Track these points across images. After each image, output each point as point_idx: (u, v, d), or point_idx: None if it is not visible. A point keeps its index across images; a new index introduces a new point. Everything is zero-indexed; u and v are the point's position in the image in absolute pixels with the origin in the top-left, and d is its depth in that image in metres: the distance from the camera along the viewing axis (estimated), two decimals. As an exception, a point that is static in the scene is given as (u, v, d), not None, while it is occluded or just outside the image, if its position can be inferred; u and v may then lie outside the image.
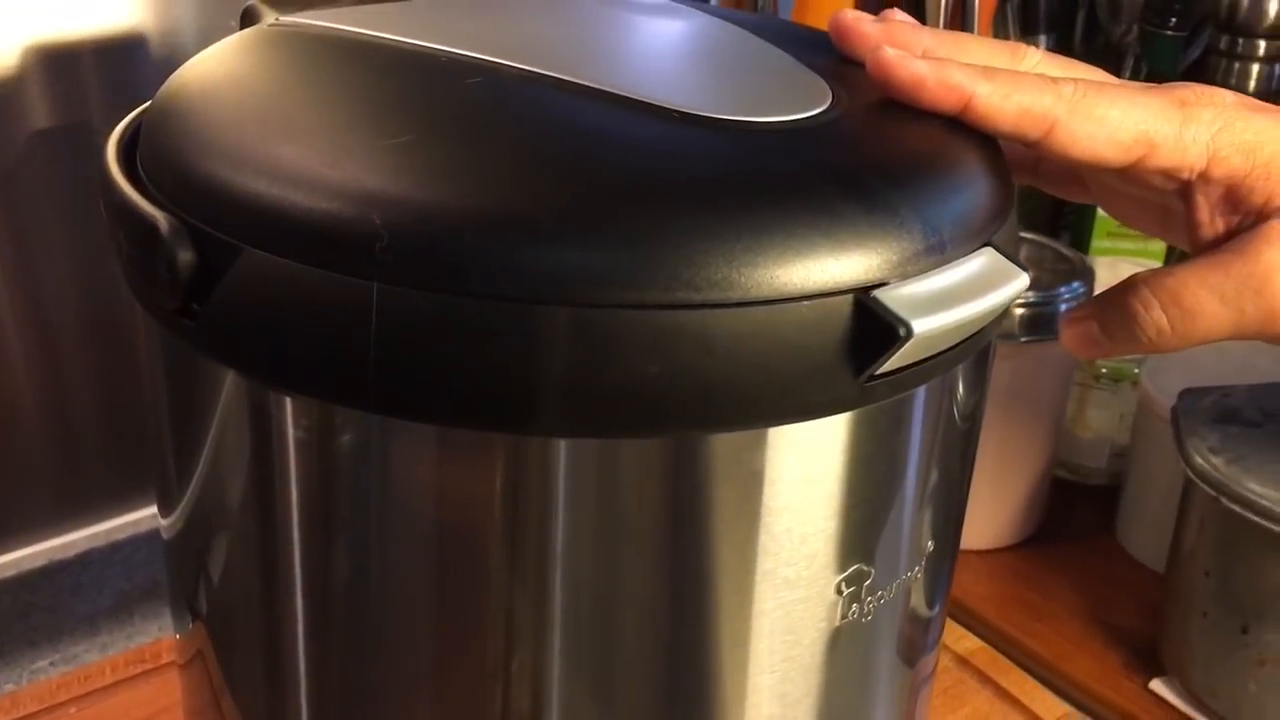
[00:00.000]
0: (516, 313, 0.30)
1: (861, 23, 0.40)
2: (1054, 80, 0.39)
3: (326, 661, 0.38)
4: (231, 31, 0.43)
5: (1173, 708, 0.63)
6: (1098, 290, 0.81)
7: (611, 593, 0.34)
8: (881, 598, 0.37)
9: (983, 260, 0.34)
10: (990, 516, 0.74)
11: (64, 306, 0.67)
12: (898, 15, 0.41)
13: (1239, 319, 0.39)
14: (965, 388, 0.38)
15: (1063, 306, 0.70)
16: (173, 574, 0.44)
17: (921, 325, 0.31)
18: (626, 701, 0.36)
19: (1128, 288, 0.41)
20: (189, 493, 0.39)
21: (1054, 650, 0.67)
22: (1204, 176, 0.39)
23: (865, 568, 0.36)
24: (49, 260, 0.66)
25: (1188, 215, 0.41)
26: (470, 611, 0.35)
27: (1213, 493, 0.58)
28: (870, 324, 0.31)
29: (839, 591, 0.35)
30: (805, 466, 0.33)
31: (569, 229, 0.30)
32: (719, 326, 0.30)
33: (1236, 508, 0.57)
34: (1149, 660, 0.66)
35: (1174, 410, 0.64)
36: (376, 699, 0.38)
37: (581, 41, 0.40)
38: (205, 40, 0.65)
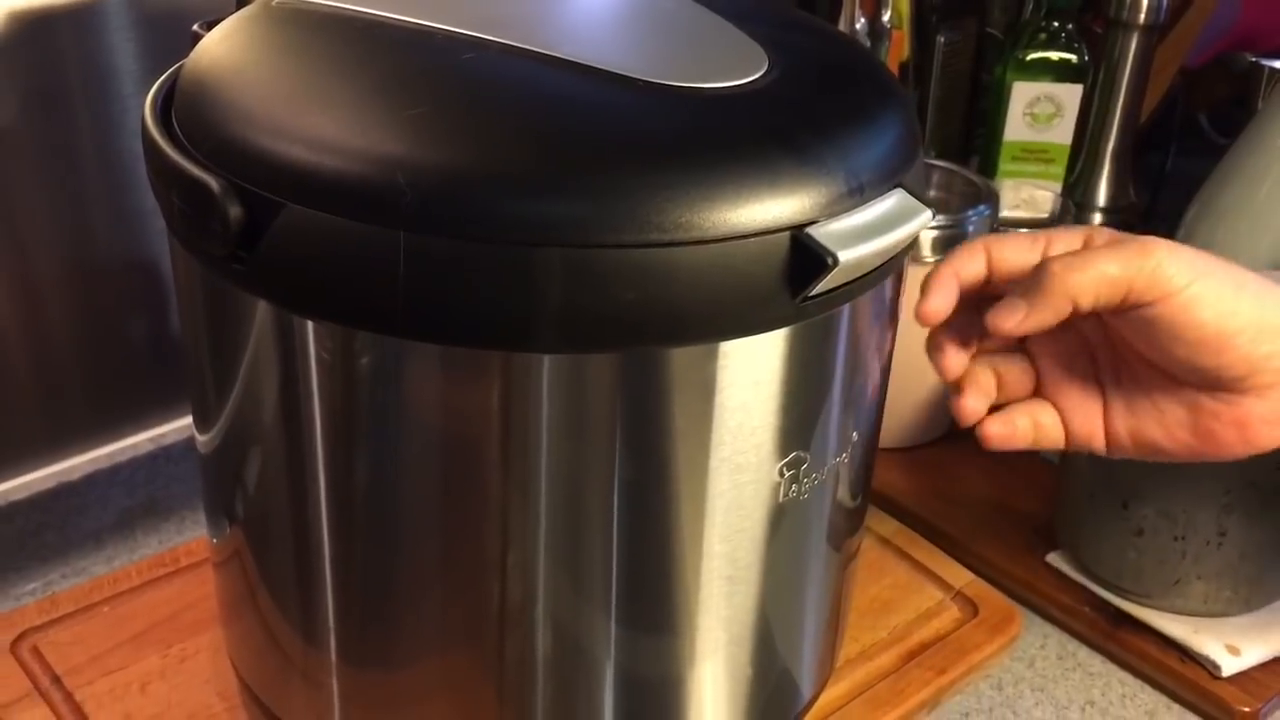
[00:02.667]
0: (518, 253, 0.37)
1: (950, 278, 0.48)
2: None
3: (349, 557, 0.45)
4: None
5: (1066, 576, 0.72)
6: (1003, 211, 0.89)
7: (591, 481, 0.41)
8: (816, 479, 0.45)
9: (894, 200, 0.41)
10: (908, 418, 0.82)
11: (45, 260, 0.72)
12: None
13: (1130, 273, 0.45)
14: (883, 304, 0.46)
15: (970, 228, 0.78)
16: (210, 483, 0.50)
17: (846, 255, 0.38)
18: (603, 570, 0.43)
19: (1044, 261, 0.48)
20: (225, 413, 0.46)
21: (964, 532, 0.76)
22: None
23: (802, 454, 0.43)
24: (29, 217, 0.71)
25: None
26: (470, 508, 0.42)
27: (1097, 389, 0.67)
28: (804, 255, 0.38)
29: (781, 475, 0.43)
30: (753, 373, 0.41)
31: (558, 184, 0.37)
32: (682, 260, 0.37)
33: (1117, 401, 0.66)
34: (1046, 538, 0.74)
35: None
36: (393, 589, 0.45)
37: (557, 17, 0.46)
38: (169, 9, 0.70)
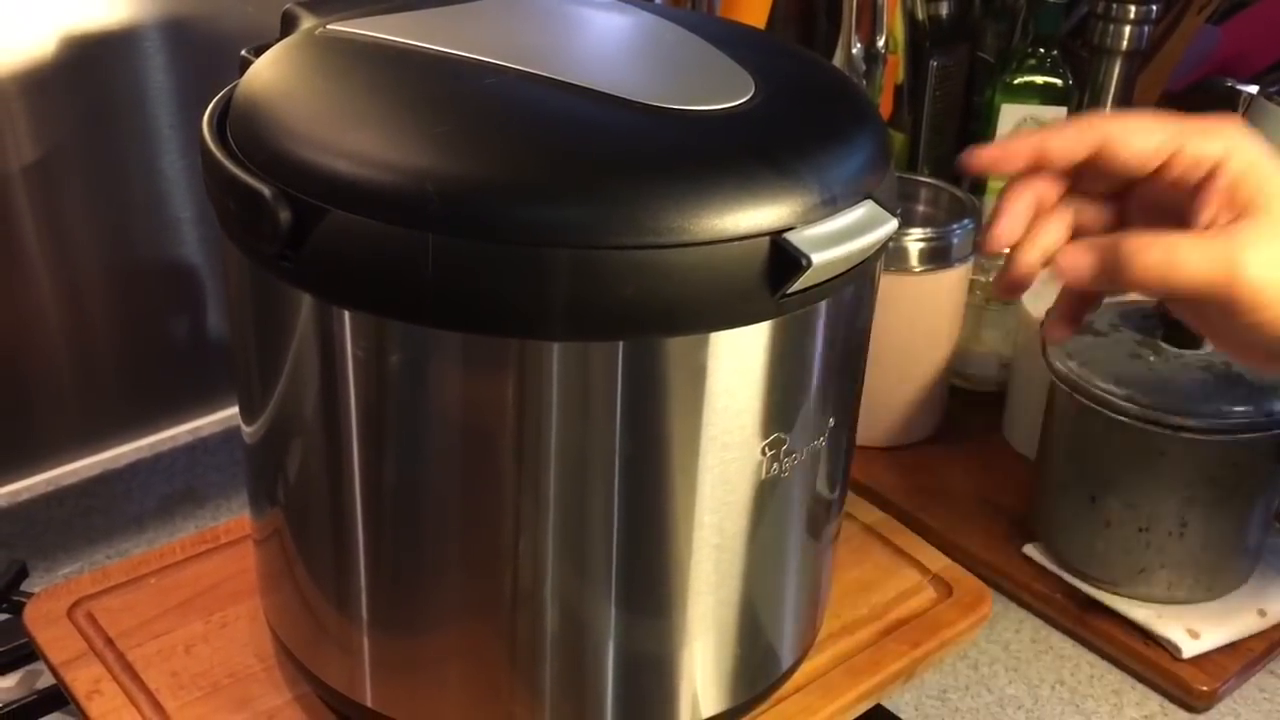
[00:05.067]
0: (530, 253, 0.42)
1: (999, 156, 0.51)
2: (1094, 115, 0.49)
3: (379, 534, 0.50)
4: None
5: (1040, 565, 0.77)
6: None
7: (595, 456, 0.46)
8: (796, 459, 0.50)
9: (864, 210, 0.47)
10: (896, 419, 0.87)
11: (89, 261, 0.77)
12: None
13: (1210, 276, 0.47)
14: (856, 304, 0.51)
15: (954, 240, 0.83)
16: (253, 469, 0.56)
17: (819, 257, 0.44)
18: (605, 536, 0.48)
19: (1125, 236, 0.49)
20: (271, 404, 0.51)
21: (946, 524, 0.81)
22: (1221, 167, 0.48)
23: (783, 435, 0.49)
24: (78, 222, 0.76)
25: (1204, 196, 0.49)
26: (488, 485, 0.47)
27: (1068, 389, 0.72)
28: (782, 257, 0.44)
29: (763, 453, 0.48)
30: (737, 361, 0.46)
31: (565, 193, 0.42)
32: (674, 260, 0.43)
33: (1086, 401, 0.71)
34: (1023, 530, 0.80)
35: (1042, 324, 0.78)
36: (418, 562, 0.50)
37: (569, 46, 0.52)
38: (213, 39, 0.75)
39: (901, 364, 0.86)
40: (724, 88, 0.49)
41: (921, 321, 0.85)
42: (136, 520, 0.80)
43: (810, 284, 0.45)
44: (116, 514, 0.79)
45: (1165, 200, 0.51)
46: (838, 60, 0.98)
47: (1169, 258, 0.48)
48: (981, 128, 1.05)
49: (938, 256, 0.83)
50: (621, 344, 0.44)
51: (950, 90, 1.06)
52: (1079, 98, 1.01)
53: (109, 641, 0.59)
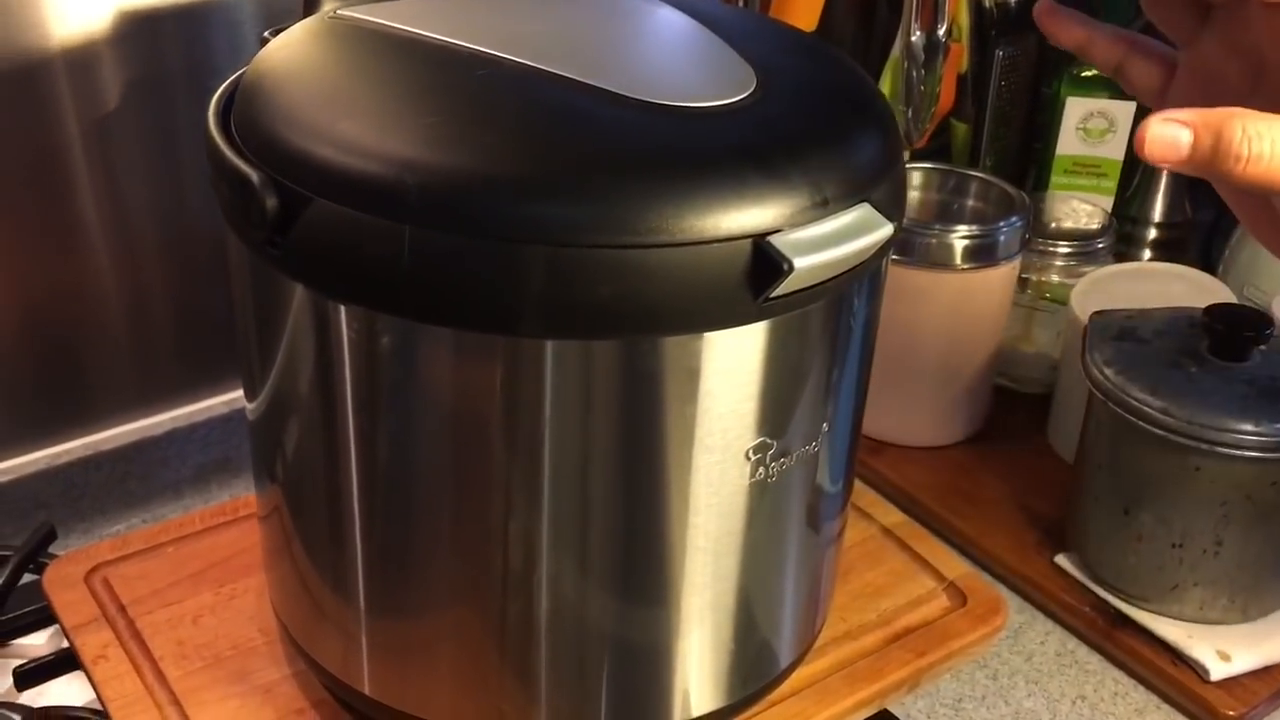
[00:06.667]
0: (507, 249, 0.42)
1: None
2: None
3: (372, 515, 0.50)
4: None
5: (1070, 576, 0.75)
6: (1050, 222, 0.92)
7: (579, 453, 0.46)
8: (784, 464, 0.49)
9: (858, 214, 0.45)
10: (934, 419, 0.86)
11: (144, 229, 0.79)
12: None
13: None
14: (856, 308, 0.50)
15: (1001, 237, 0.81)
16: (256, 446, 0.56)
17: (802, 262, 0.43)
18: (591, 533, 0.48)
19: (1236, 114, 0.41)
20: (268, 382, 0.52)
21: (979, 529, 0.79)
22: None
23: (769, 440, 0.48)
24: (134, 190, 0.78)
25: None
26: (475, 477, 0.47)
27: (1104, 399, 0.70)
28: (763, 261, 0.43)
29: (748, 457, 0.48)
30: (719, 363, 0.45)
31: (544, 189, 0.42)
32: (653, 261, 0.42)
33: (1122, 411, 0.69)
34: (1056, 539, 0.78)
35: (1085, 328, 0.75)
36: (411, 546, 0.50)
37: (573, 37, 0.51)
38: (268, 9, 0.77)
39: (942, 363, 0.84)
40: (723, 84, 0.48)
41: (964, 320, 0.83)
42: (173, 487, 0.81)
43: (796, 288, 0.44)
44: (154, 481, 0.81)
45: (1243, 44, 0.45)
46: (896, 48, 0.96)
47: None
48: (1048, 121, 1.02)
49: (983, 254, 0.81)
50: (601, 344, 0.44)
51: (1017, 81, 1.03)
52: (1150, 92, 0.97)
53: (121, 608, 0.60)
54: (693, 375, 0.45)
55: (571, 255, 0.42)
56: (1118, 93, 0.96)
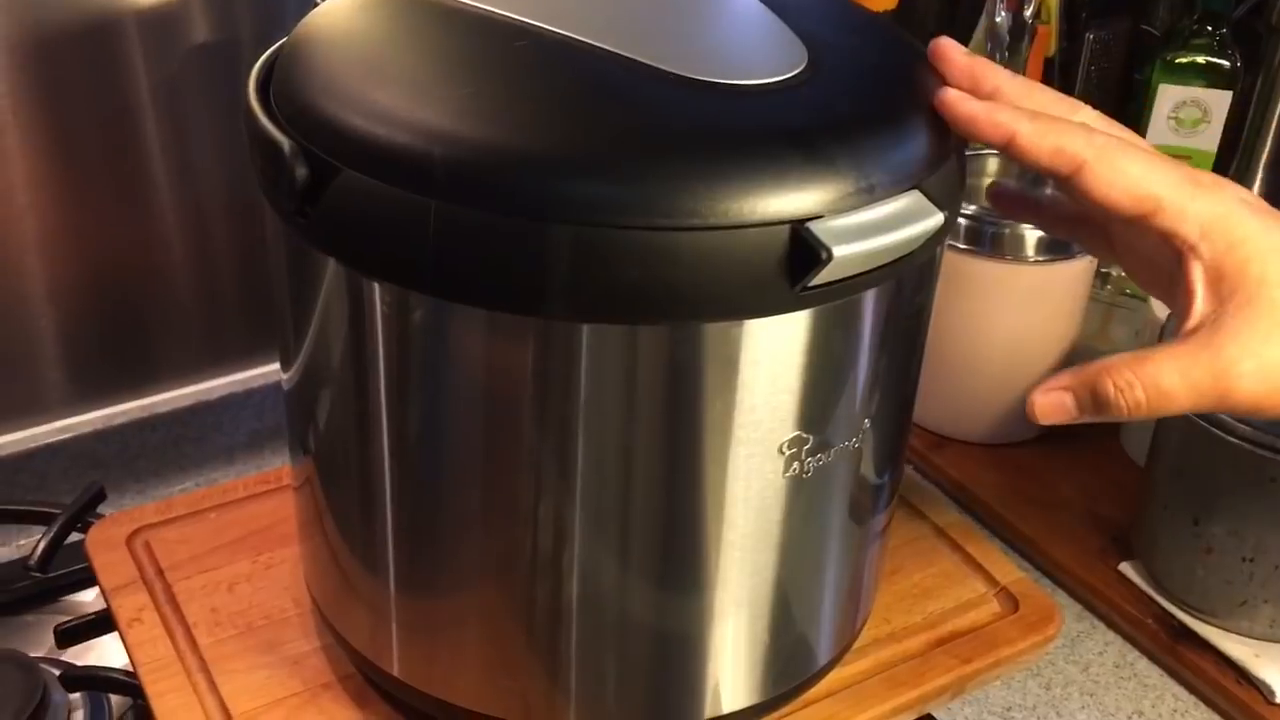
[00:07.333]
0: (533, 227, 0.40)
1: (953, 50, 0.47)
2: (1090, 130, 0.45)
3: (403, 490, 0.49)
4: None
5: (1134, 586, 0.72)
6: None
7: (608, 437, 0.45)
8: (820, 460, 0.47)
9: (907, 201, 0.43)
10: (1001, 416, 0.82)
11: (212, 191, 0.80)
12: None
13: (1199, 401, 0.46)
14: (905, 300, 0.47)
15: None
16: (291, 417, 0.56)
17: (842, 251, 0.41)
18: (624, 518, 0.46)
19: (1105, 371, 0.46)
20: (301, 354, 0.51)
21: (1041, 532, 0.76)
22: (1194, 252, 0.45)
23: (804, 435, 0.46)
24: (202, 152, 0.79)
25: (1182, 285, 0.46)
26: (510, 453, 0.46)
27: (1177, 402, 0.66)
28: (801, 248, 0.41)
29: (781, 452, 0.46)
30: (752, 353, 0.43)
31: (574, 168, 0.40)
32: (684, 244, 0.40)
33: (1196, 417, 0.65)
34: (1122, 546, 0.74)
35: (1162, 329, 0.72)
36: (440, 523, 0.49)
37: (611, 8, 0.49)
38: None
39: (1011, 358, 0.81)
40: (772, 61, 0.46)
41: (1036, 315, 0.80)
42: (226, 452, 0.82)
43: (837, 278, 0.42)
44: (208, 445, 0.81)
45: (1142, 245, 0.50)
46: (979, 30, 0.93)
47: (1154, 392, 0.46)
48: (1139, 109, 0.97)
49: (1057, 247, 0.78)
50: (636, 329, 0.42)
51: (1107, 66, 0.99)
52: (1249, 83, 0.93)
53: (160, 572, 0.61)
54: (723, 364, 0.43)
55: (601, 236, 0.40)
56: (1213, 81, 0.92)
